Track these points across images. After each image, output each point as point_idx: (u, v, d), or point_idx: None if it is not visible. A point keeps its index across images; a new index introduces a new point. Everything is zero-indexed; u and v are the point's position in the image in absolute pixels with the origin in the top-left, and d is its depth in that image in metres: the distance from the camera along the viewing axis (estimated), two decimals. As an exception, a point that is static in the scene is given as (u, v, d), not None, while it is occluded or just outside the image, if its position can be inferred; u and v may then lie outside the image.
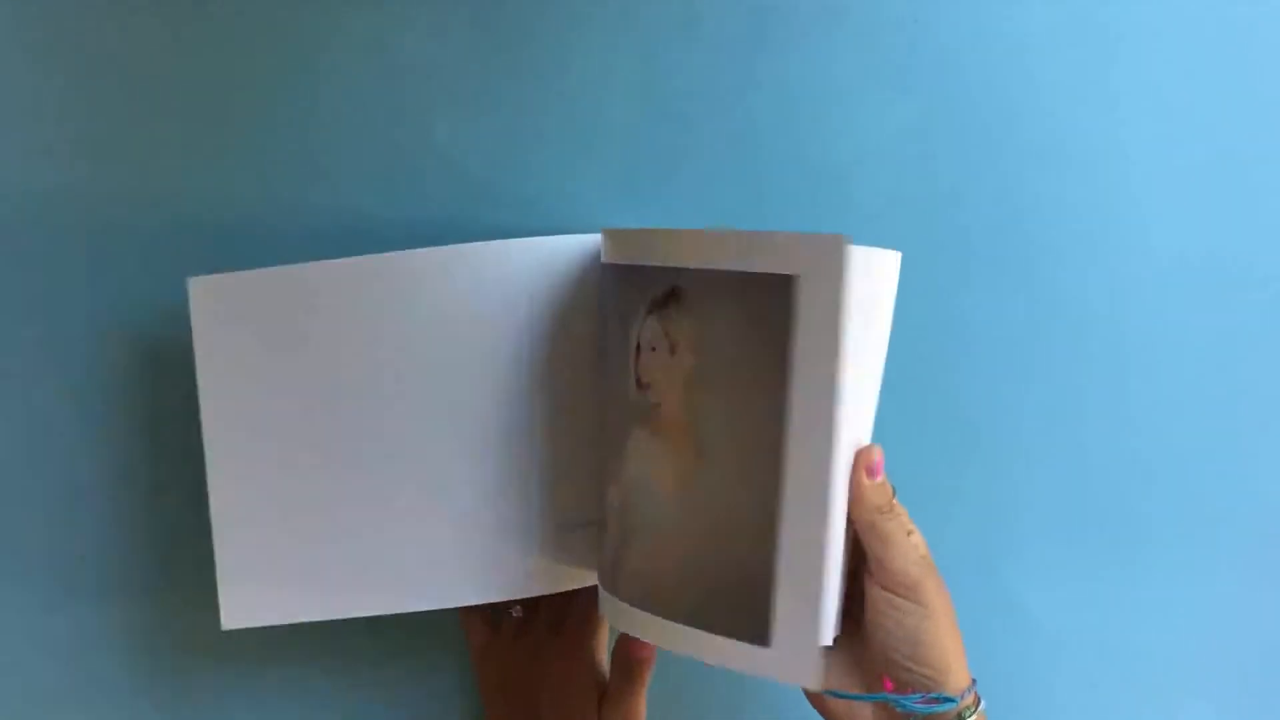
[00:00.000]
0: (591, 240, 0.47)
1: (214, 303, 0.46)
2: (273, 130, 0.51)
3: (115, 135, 0.51)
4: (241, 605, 0.48)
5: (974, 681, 0.45)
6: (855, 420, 0.44)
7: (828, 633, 0.43)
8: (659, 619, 0.44)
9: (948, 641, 0.44)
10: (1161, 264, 0.56)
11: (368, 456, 0.48)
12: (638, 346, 0.44)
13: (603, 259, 0.46)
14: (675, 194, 0.53)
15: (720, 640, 0.42)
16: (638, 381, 0.44)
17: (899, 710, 0.44)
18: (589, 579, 0.50)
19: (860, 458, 0.44)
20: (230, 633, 0.47)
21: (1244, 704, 0.44)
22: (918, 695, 0.44)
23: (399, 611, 0.49)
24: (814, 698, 0.47)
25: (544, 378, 0.48)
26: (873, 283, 0.44)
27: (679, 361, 0.42)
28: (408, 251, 0.46)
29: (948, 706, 0.43)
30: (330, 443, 0.48)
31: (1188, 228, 0.55)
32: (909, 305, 0.49)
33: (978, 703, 0.44)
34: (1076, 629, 0.58)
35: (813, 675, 0.40)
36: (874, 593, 0.44)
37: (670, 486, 0.43)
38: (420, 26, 0.51)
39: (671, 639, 0.44)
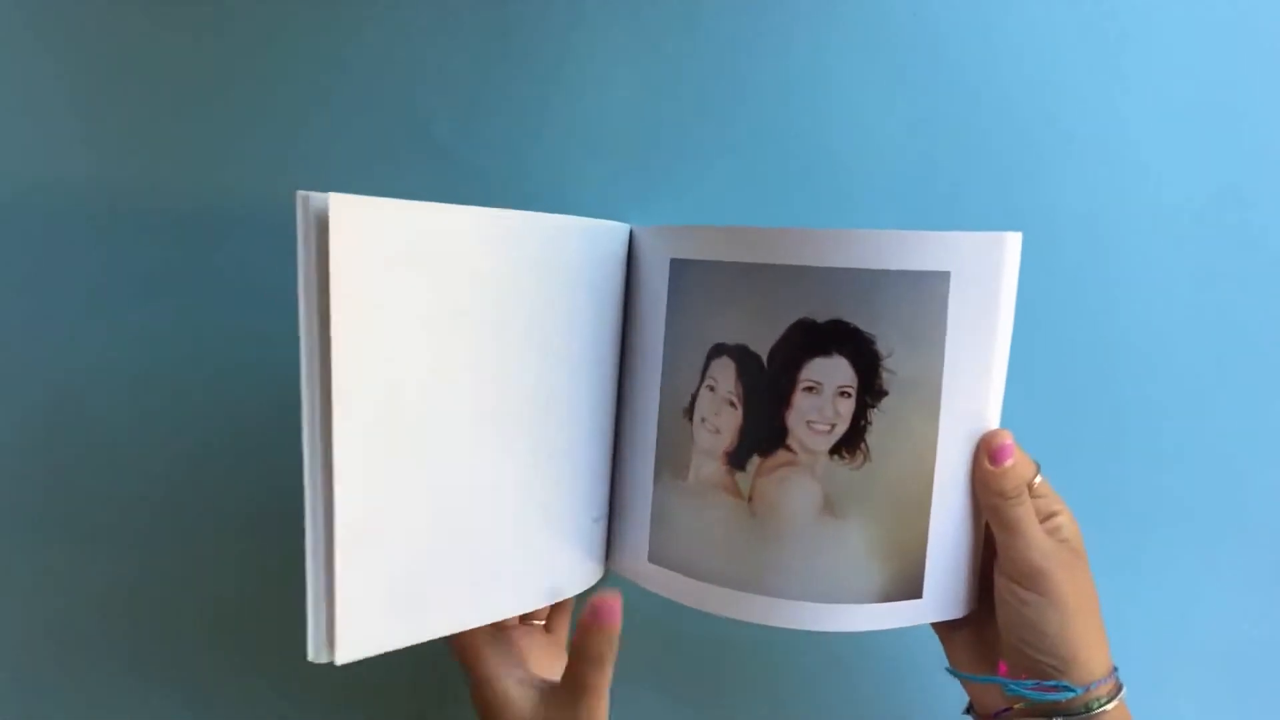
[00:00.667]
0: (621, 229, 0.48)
1: (355, 226, 0.40)
2: (274, 124, 0.51)
3: (120, 129, 0.51)
4: (359, 632, 0.40)
5: (1114, 670, 0.44)
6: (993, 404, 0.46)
7: (959, 599, 0.46)
8: (797, 602, 0.44)
9: (1074, 631, 0.43)
10: (1158, 254, 0.55)
11: (486, 431, 0.44)
12: (797, 386, 0.43)
13: (685, 256, 0.45)
14: (676, 189, 0.53)
15: (878, 606, 0.45)
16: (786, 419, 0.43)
17: (1010, 695, 0.44)
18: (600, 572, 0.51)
19: (982, 444, 0.44)
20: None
21: (1233, 702, 0.47)
22: (1031, 682, 0.44)
23: (500, 618, 0.45)
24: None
25: (603, 364, 0.48)
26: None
27: (851, 405, 0.43)
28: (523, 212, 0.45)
29: (1065, 695, 0.42)
30: (458, 412, 0.43)
31: (1189, 216, 0.55)
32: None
33: (1114, 693, 0.43)
34: None
35: (960, 608, 0.46)
36: (998, 578, 0.44)
37: (814, 510, 0.44)
38: (422, 21, 0.50)
39: (814, 616, 0.45)
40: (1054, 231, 0.55)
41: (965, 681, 0.48)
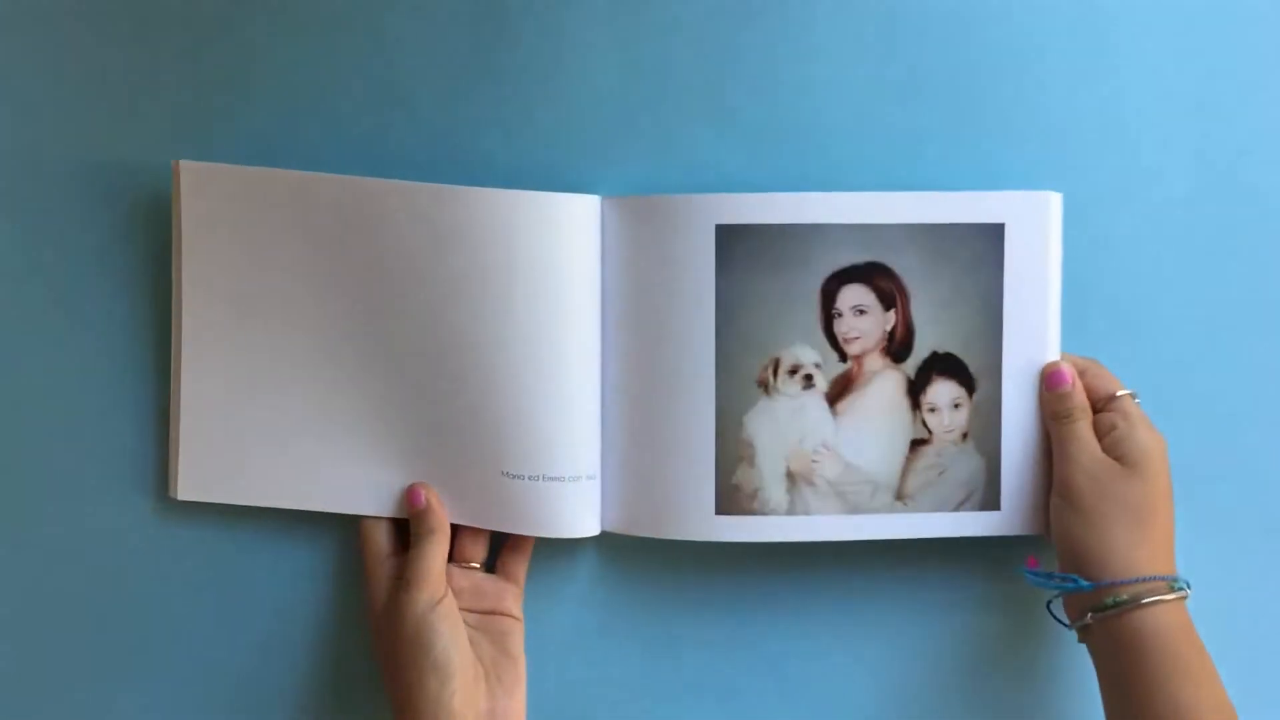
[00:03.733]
0: (590, 201, 0.51)
1: (201, 189, 0.51)
2: (261, 103, 0.54)
3: (104, 104, 0.54)
4: (196, 479, 0.53)
5: (1155, 577, 0.46)
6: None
7: (1031, 516, 0.52)
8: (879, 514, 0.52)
9: (1095, 535, 0.47)
10: (1148, 225, 0.55)
11: (328, 365, 0.52)
12: (836, 312, 0.51)
13: (730, 221, 0.51)
14: (664, 163, 0.55)
15: (960, 514, 0.52)
16: (836, 343, 0.51)
17: (1032, 585, 0.50)
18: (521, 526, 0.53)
19: (1042, 372, 0.51)
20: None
21: (1223, 656, 0.43)
22: (1046, 574, 0.49)
23: (327, 510, 0.53)
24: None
25: (517, 331, 0.51)
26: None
27: (889, 317, 0.51)
28: (402, 182, 0.50)
29: (1069, 587, 0.48)
30: (298, 345, 0.52)
31: (1179, 192, 0.55)
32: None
33: (1146, 596, 0.45)
34: None
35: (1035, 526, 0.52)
36: (1053, 491, 0.50)
37: (882, 418, 0.52)
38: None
39: (899, 525, 0.52)
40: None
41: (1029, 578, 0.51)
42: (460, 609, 0.51)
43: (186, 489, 0.53)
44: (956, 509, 0.52)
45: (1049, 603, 0.52)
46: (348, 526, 0.54)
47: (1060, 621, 0.51)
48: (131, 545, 0.55)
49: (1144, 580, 0.46)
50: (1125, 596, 0.46)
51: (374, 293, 0.52)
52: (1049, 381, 0.51)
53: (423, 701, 0.47)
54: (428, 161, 0.54)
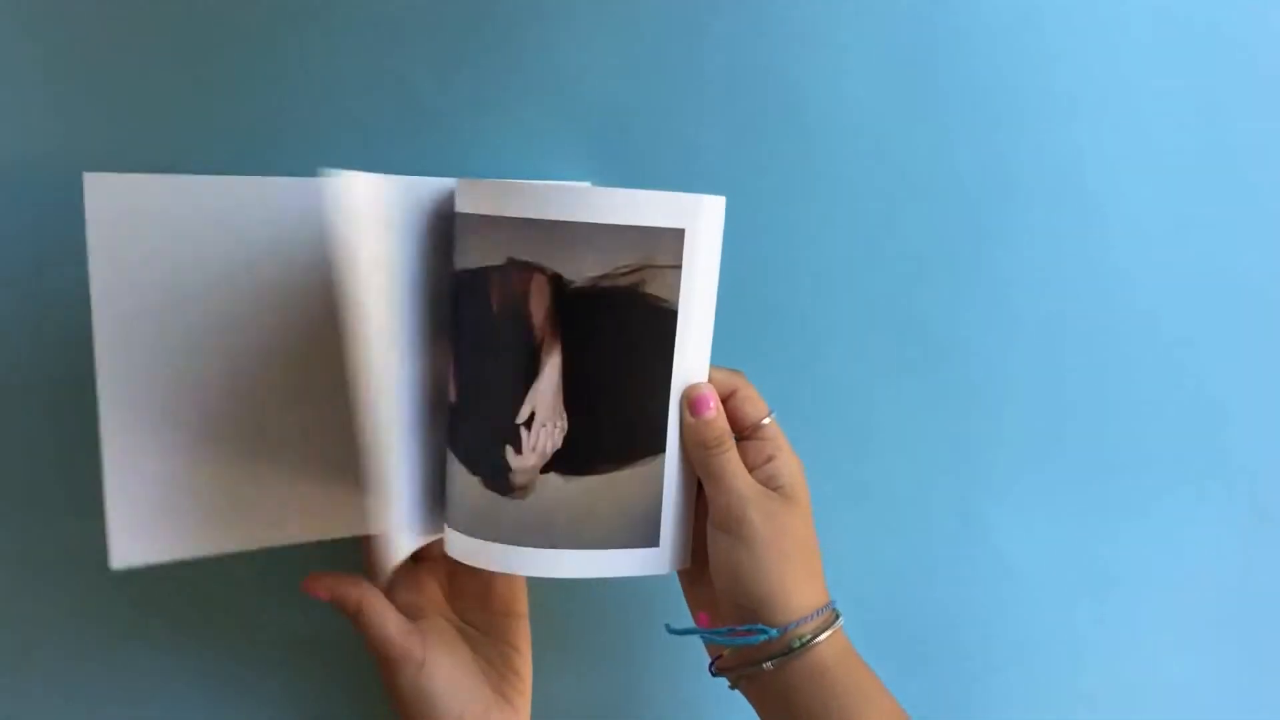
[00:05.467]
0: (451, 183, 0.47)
1: (108, 202, 0.46)
2: (251, 84, 0.51)
3: (97, 91, 0.50)
4: (130, 543, 0.48)
5: (824, 608, 0.44)
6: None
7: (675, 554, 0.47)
8: (559, 551, 0.45)
9: (770, 572, 0.43)
10: (1139, 210, 0.55)
11: (239, 383, 0.48)
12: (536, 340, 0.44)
13: (462, 209, 0.45)
14: (655, 147, 0.53)
15: (619, 553, 0.46)
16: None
17: (719, 644, 0.45)
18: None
19: (684, 396, 0.45)
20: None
21: (1218, 641, 0.47)
22: (726, 629, 0.44)
23: (275, 545, 0.49)
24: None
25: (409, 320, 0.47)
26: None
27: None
28: (281, 178, 0.47)
29: (759, 638, 0.43)
30: (212, 365, 0.48)
31: (1168, 172, 0.55)
32: (883, 244, 0.52)
33: (821, 629, 0.43)
34: (1053, 569, 0.57)
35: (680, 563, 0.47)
36: (707, 527, 0.45)
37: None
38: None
39: (573, 565, 0.46)
40: (1036, 177, 0.54)
41: (691, 635, 0.47)
42: (465, 614, 0.50)
43: (121, 554, 0.47)
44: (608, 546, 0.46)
45: (712, 663, 0.47)
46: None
47: (716, 675, 0.46)
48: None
49: (820, 613, 0.44)
50: (808, 635, 0.43)
51: (284, 295, 0.48)
52: (693, 407, 0.45)
53: None
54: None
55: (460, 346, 0.46)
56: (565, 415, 0.45)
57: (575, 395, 0.44)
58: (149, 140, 0.51)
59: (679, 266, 0.44)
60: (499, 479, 0.45)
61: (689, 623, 0.47)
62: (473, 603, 0.51)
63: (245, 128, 0.51)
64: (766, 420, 0.47)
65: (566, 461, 0.45)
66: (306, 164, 0.50)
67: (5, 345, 0.52)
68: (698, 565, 0.47)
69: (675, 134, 0.53)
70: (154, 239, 0.46)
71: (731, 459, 0.45)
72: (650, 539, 0.46)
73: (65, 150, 0.51)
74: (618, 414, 0.45)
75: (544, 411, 0.45)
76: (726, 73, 0.53)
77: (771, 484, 0.45)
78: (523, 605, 0.52)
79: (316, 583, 0.47)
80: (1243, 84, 0.54)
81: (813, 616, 0.43)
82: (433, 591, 0.52)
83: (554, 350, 0.44)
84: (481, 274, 0.45)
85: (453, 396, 0.47)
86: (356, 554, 0.51)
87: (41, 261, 0.51)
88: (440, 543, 0.49)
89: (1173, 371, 0.56)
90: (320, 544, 0.50)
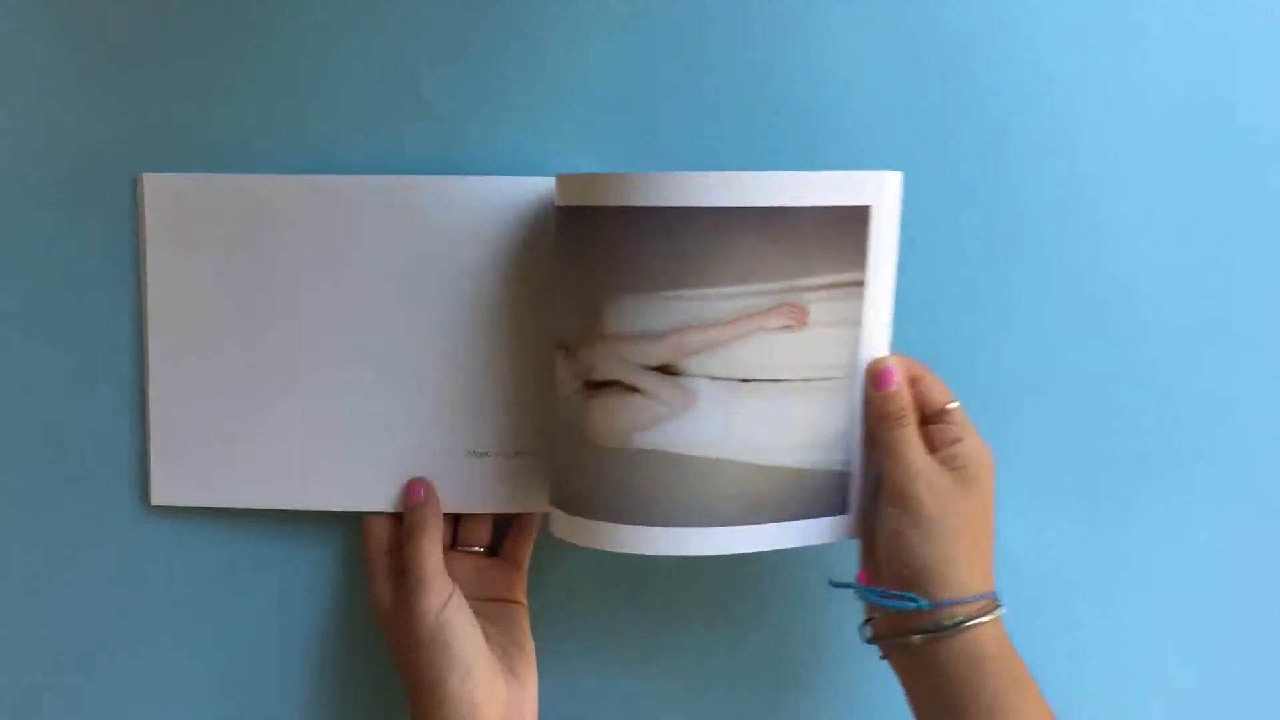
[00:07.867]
0: (543, 183, 0.49)
1: (166, 200, 0.50)
2: (254, 77, 0.51)
3: (101, 78, 0.51)
4: (171, 484, 0.51)
5: (984, 594, 0.44)
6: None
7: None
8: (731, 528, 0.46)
9: (934, 549, 0.44)
10: (1143, 201, 0.54)
11: (301, 361, 0.51)
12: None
13: (608, 202, 0.44)
14: (654, 139, 0.53)
15: (805, 523, 0.47)
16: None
17: (865, 601, 0.47)
18: (494, 505, 0.52)
19: (869, 369, 0.47)
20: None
21: (1218, 641, 0.46)
22: (880, 590, 0.45)
23: (308, 508, 0.51)
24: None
25: (481, 315, 0.50)
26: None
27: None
28: (360, 176, 0.49)
29: (910, 605, 0.44)
30: (268, 343, 0.50)
31: (1170, 160, 0.54)
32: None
33: (977, 615, 0.44)
34: (1053, 569, 0.57)
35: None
36: (879, 501, 0.47)
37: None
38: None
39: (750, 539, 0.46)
40: (1038, 161, 0.53)
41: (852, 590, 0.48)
42: (465, 597, 0.49)
43: (162, 494, 0.51)
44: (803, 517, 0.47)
45: (865, 622, 0.48)
46: (342, 524, 0.53)
47: (868, 641, 0.47)
48: (118, 551, 0.53)
49: (980, 598, 0.44)
50: (961, 616, 0.44)
51: (339, 286, 0.50)
52: (877, 380, 0.47)
53: (445, 700, 0.46)
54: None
55: None
56: None
57: None
58: (148, 141, 0.51)
59: (865, 241, 0.45)
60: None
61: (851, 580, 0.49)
62: (468, 585, 0.51)
63: (245, 128, 0.51)
64: (952, 405, 0.47)
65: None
66: (309, 162, 0.51)
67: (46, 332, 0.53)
68: (869, 539, 0.48)
69: (684, 128, 0.52)
70: (207, 231, 0.50)
71: (909, 434, 0.46)
72: (840, 507, 0.48)
73: (66, 151, 0.51)
74: None
75: None
76: (730, 66, 0.52)
77: (951, 464, 0.46)
78: (522, 594, 0.53)
79: (421, 481, 0.50)
80: (1243, 84, 0.53)
81: (970, 600, 0.44)
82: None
83: None
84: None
85: None
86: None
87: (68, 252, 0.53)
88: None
89: (1173, 371, 0.55)
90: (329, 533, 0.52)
